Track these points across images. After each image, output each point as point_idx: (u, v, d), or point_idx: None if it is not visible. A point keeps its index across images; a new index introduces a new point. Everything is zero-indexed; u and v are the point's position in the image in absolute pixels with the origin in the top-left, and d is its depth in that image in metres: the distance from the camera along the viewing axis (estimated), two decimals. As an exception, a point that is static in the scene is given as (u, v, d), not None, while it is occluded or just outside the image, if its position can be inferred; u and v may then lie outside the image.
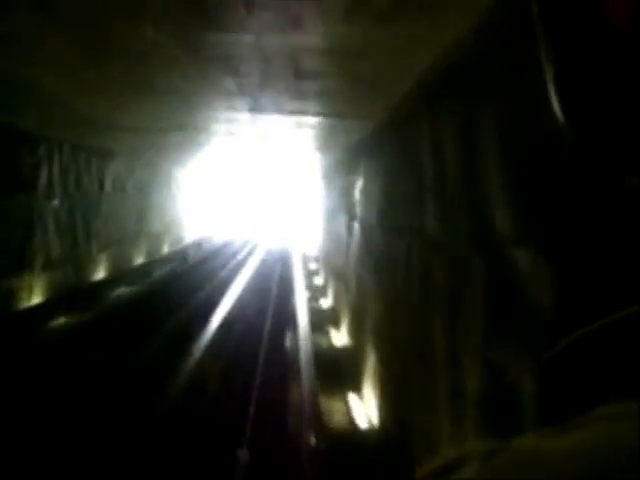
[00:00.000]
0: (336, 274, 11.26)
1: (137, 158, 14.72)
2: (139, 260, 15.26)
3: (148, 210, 16.39)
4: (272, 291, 13.92)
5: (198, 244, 21.38)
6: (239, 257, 20.98)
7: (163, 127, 8.50)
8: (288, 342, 9.01)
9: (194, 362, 7.56)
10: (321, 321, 10.32)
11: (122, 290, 11.81)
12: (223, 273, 16.66)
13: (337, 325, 9.97)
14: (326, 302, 12.45)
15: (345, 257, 9.52)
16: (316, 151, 10.74)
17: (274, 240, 28.27)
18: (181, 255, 18.28)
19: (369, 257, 6.93)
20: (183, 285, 13.54)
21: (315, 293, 13.71)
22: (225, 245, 23.10)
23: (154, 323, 9.31)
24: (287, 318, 10.51)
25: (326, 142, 9.03)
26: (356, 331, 7.97)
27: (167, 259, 16.89)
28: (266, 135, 8.79)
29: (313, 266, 17.81)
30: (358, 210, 7.88)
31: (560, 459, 0.40)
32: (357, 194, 7.98)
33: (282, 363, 8.08)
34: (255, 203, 41.15)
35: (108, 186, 12.82)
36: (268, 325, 10.20)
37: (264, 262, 19.43)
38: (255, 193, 39.14)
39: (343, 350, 8.53)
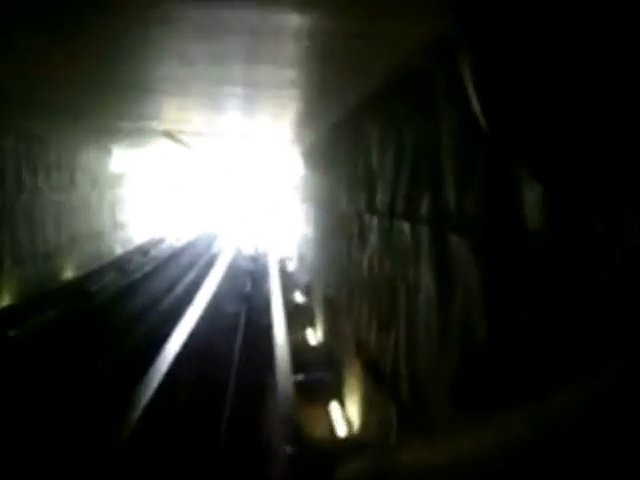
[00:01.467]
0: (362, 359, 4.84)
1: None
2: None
3: (21, 217, 9.77)
4: (230, 378, 7.42)
5: (128, 260, 14.68)
6: (186, 280, 14.27)
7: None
8: None
9: None
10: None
11: None
12: (142, 330, 10.00)
13: None
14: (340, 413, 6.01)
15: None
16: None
17: (245, 247, 21.55)
18: (92, 284, 11.64)
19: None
20: (57, 371, 6.94)
21: (308, 368, 7.28)
22: (170, 259, 16.24)
23: None
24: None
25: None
26: None
27: (58, 294, 10.23)
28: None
29: (300, 298, 11.29)
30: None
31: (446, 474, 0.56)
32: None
33: None
34: (222, 191, 33.97)
35: None
36: None
37: (225, 291, 12.73)
38: (222, 178, 31.90)
39: None
